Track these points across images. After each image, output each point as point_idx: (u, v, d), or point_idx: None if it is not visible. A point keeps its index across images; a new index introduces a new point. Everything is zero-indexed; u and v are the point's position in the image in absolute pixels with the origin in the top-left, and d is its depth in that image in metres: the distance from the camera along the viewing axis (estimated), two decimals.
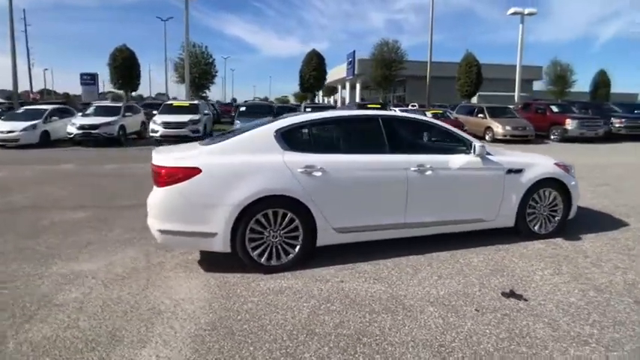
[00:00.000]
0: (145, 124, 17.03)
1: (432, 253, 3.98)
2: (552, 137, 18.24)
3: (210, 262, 3.76)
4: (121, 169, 9.36)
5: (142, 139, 16.55)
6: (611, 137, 17.88)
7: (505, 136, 17.14)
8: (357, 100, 41.54)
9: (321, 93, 57.23)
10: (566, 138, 17.61)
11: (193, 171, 3.40)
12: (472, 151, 4.14)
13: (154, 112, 16.34)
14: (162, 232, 3.49)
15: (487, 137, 17.83)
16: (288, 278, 3.47)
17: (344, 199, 3.70)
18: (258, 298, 3.13)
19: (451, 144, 4.30)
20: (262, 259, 3.55)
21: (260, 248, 3.54)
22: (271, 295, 3.17)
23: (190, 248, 3.72)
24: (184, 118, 14.18)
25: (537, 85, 40.30)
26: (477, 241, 4.24)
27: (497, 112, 18.49)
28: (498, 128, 17.35)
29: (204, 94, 31.58)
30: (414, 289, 3.28)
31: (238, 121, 14.92)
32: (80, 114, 15.43)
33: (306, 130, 3.95)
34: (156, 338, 2.57)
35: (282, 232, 3.56)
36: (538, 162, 4.47)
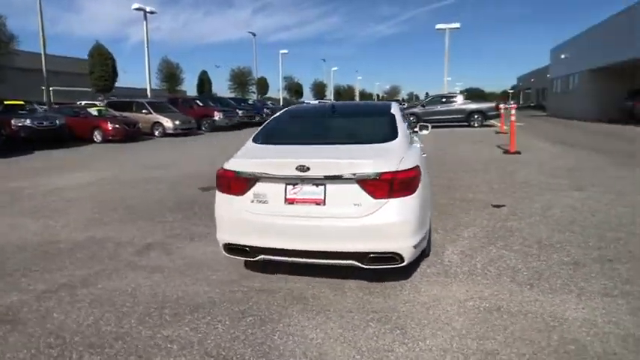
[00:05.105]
0: None
1: None
2: (204, 128, 20.82)
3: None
4: None
5: None
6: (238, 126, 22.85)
7: (176, 130, 17.91)
8: None
9: None
10: (215, 127, 20.80)
11: (418, 170, 2.94)
12: None
13: None
14: (416, 246, 2.81)
15: (157, 133, 17.84)
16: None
17: None
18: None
19: None
20: None
21: None
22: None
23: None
24: None
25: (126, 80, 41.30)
26: None
27: (160, 108, 18.66)
28: (169, 123, 17.80)
29: None
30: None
31: None
32: None
33: None
34: None
35: None
36: None
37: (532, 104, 53.31)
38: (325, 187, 2.75)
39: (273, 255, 2.88)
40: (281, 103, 48.03)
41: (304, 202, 2.78)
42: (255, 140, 3.43)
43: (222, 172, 3.00)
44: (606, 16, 23.32)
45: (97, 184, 7.27)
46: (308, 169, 2.71)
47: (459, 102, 20.94)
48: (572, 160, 8.84)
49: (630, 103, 20.00)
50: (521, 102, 61.67)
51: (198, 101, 21.73)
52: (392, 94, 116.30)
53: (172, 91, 34.73)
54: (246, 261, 3.48)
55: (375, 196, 2.70)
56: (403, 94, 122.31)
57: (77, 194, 6.48)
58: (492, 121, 20.62)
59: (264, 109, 27.71)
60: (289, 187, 2.80)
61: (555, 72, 33.09)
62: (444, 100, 20.53)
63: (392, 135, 3.22)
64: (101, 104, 19.19)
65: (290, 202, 2.81)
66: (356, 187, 2.71)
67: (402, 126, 3.43)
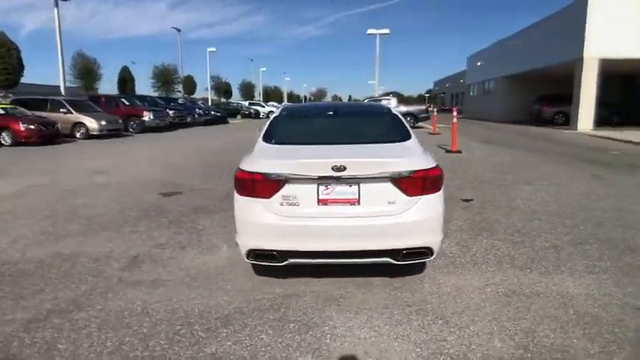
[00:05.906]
0: None
1: None
2: (131, 129, 19.21)
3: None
4: None
5: None
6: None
7: (101, 131, 16.34)
8: None
9: None
10: (145, 128, 19.32)
11: (441, 169, 3.05)
12: None
13: None
14: (442, 240, 2.98)
15: (78, 134, 16.10)
16: None
17: None
18: None
19: None
20: None
21: None
22: None
23: None
24: None
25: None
26: None
27: (82, 107, 16.83)
28: (93, 124, 16.17)
29: None
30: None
31: None
32: None
33: None
34: None
35: None
36: None
37: (447, 107, 58.11)
38: (359, 187, 2.75)
39: (304, 258, 2.81)
40: (210, 103, 46.19)
41: (338, 202, 2.75)
42: (267, 140, 3.28)
43: (244, 175, 2.84)
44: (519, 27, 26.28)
45: (31, 194, 6.34)
46: (344, 168, 2.68)
47: (392, 105, 22.04)
48: (507, 157, 9.85)
49: (537, 107, 22.82)
50: (436, 105, 66.82)
51: (124, 100, 19.97)
52: (318, 97, 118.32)
53: (89, 89, 31.33)
54: (255, 266, 3.33)
55: (408, 194, 2.76)
56: (328, 97, 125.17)
57: (10, 206, 5.60)
58: (421, 124, 22.08)
59: (196, 110, 26.47)
60: (321, 188, 2.75)
61: (472, 78, 36.43)
62: (377, 102, 21.52)
63: (406, 135, 3.32)
64: (4, 101, 16.68)
65: (323, 202, 2.75)
66: (389, 185, 2.75)
67: (409, 126, 3.54)
